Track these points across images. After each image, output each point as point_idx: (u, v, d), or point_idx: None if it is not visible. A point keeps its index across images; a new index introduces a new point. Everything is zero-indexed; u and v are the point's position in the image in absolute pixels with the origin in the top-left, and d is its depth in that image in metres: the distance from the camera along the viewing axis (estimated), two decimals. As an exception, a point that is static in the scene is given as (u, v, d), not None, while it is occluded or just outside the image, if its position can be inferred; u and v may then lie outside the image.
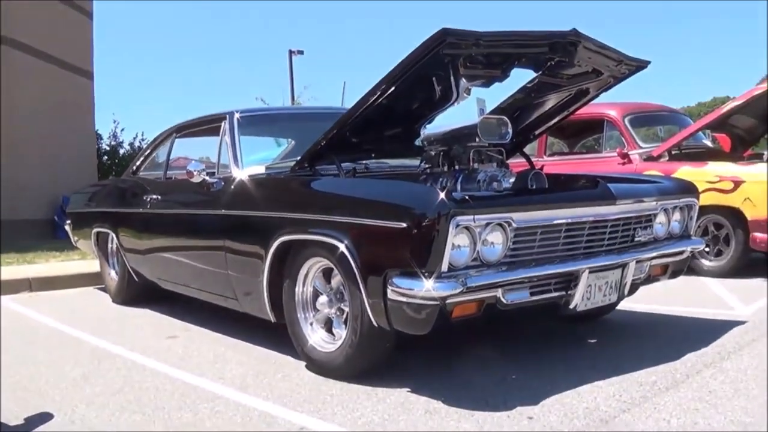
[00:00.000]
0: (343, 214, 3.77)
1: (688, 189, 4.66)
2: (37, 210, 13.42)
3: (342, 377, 3.95)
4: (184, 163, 5.63)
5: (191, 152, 6.42)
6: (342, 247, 3.71)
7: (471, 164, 4.50)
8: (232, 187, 4.78)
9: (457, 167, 4.58)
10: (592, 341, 4.60)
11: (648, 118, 8.36)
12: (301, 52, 28.97)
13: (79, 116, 15.03)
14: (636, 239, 4.25)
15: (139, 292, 6.41)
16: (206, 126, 5.61)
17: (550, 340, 4.57)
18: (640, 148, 7.54)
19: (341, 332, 4.00)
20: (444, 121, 4.73)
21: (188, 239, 5.30)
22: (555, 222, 3.76)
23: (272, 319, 4.43)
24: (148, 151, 6.46)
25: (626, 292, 4.20)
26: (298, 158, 4.68)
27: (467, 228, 3.41)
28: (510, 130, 4.43)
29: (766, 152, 7.97)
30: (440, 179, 4.52)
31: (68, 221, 7.65)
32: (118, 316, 6.12)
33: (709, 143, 8.05)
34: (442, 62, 4.00)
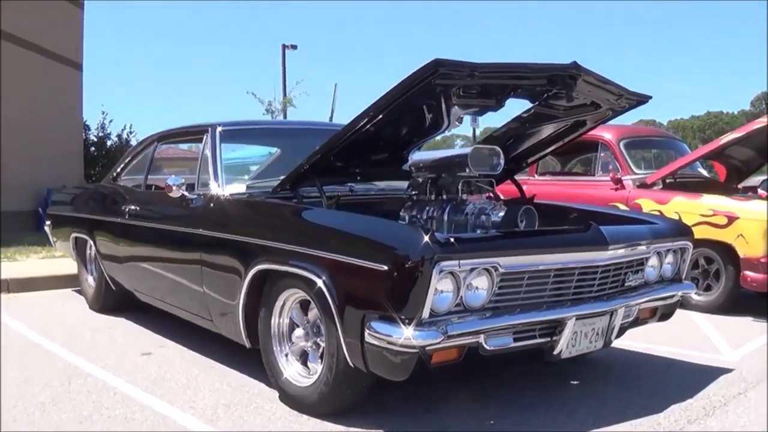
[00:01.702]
0: (323, 248, 3.65)
1: (683, 232, 4.56)
2: (21, 202, 13.23)
3: (316, 414, 3.84)
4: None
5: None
6: (320, 283, 3.60)
7: (459, 195, 4.40)
8: (212, 205, 4.66)
9: (444, 197, 4.48)
10: (575, 383, 4.49)
11: (643, 143, 8.26)
12: (294, 47, 28.82)
13: (66, 107, 14.83)
14: (626, 284, 4.15)
15: (116, 301, 6.29)
16: (188, 136, 5.49)
17: (530, 378, 4.44)
18: (634, 173, 7.44)
19: (317, 367, 3.88)
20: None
21: (165, 254, 5.17)
22: (543, 267, 3.64)
23: (247, 344, 4.31)
24: (129, 158, 6.32)
25: (613, 338, 4.10)
26: (281, 179, 4.57)
27: (451, 273, 3.30)
28: (502, 161, 4.34)
29: (763, 181, 7.89)
30: (427, 208, 4.42)
31: (48, 222, 7.50)
32: (94, 326, 5.99)
33: (704, 172, 7.96)
34: (434, 91, 3.89)
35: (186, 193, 4.84)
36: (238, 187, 4.70)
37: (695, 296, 6.62)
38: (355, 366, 3.53)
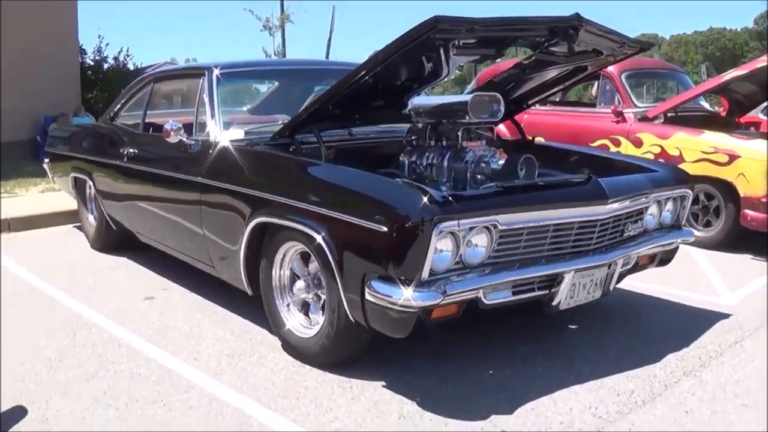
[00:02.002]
0: (321, 204, 3.65)
1: (683, 179, 4.54)
2: (19, 131, 13.12)
3: (318, 365, 3.90)
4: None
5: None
6: (318, 239, 3.62)
7: (459, 142, 4.36)
8: (211, 152, 4.61)
9: (444, 143, 4.44)
10: (573, 328, 4.54)
11: (646, 75, 8.15)
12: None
13: (62, 33, 14.53)
14: (625, 234, 4.15)
15: (117, 240, 6.29)
16: (185, 78, 5.41)
17: (530, 327, 4.46)
18: (636, 107, 7.36)
19: (318, 318, 3.93)
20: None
21: (164, 198, 5.15)
22: (542, 223, 3.64)
23: (249, 292, 4.35)
24: (126, 99, 6.23)
25: (612, 287, 4.13)
26: (279, 128, 4.55)
27: (451, 233, 3.30)
28: (502, 108, 4.30)
29: (764, 108, 7.82)
30: (426, 155, 4.39)
31: (47, 160, 7.47)
32: (96, 267, 6.01)
33: (707, 105, 7.86)
34: (433, 45, 3.82)
35: (184, 139, 4.79)
36: (237, 133, 4.64)
37: (696, 232, 6.61)
38: (356, 321, 3.57)
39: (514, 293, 3.67)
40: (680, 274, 5.57)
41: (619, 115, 7.17)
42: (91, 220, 6.66)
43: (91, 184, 6.30)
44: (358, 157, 4.52)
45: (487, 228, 3.43)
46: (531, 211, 3.59)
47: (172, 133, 4.76)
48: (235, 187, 4.27)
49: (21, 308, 4.98)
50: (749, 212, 6.18)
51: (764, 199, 6.09)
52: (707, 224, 6.65)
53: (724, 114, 7.77)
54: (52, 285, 5.49)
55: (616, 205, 3.91)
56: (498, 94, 4.30)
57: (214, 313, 4.81)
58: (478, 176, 4.18)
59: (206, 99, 4.86)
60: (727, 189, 6.33)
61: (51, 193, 8.98)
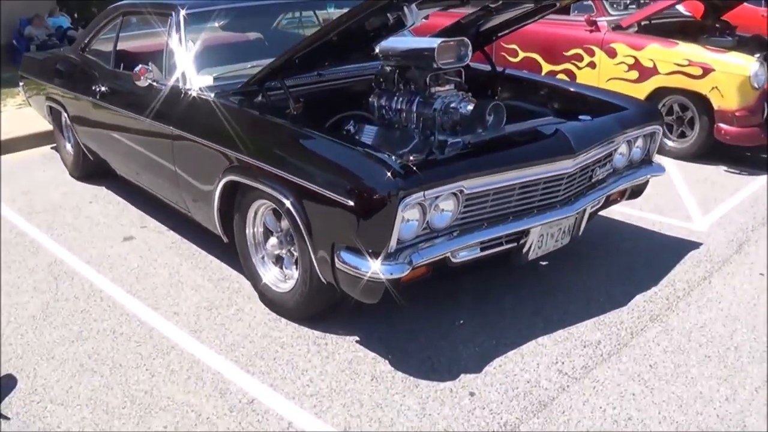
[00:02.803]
0: (288, 170, 3.60)
1: (653, 116, 4.47)
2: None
3: (294, 319, 3.97)
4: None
5: None
6: (287, 204, 3.60)
7: (428, 88, 4.27)
8: (181, 98, 4.50)
9: (412, 88, 4.35)
10: (544, 264, 4.54)
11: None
12: None
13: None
14: (594, 179, 4.13)
15: (95, 168, 6.21)
16: (153, 14, 5.19)
17: (499, 271, 4.40)
18: (609, 15, 7.12)
19: (292, 273, 3.96)
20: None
21: (137, 141, 5.06)
22: (508, 183, 3.61)
23: (225, 239, 4.36)
24: (96, 31, 6.00)
25: (580, 232, 4.15)
26: (249, 70, 4.46)
27: (418, 203, 3.28)
28: (470, 52, 4.19)
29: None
30: (395, 98, 4.32)
31: (21, 83, 7.29)
32: (75, 202, 5.96)
33: (682, 9, 7.63)
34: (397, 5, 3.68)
35: (154, 83, 4.67)
36: (206, 80, 4.51)
37: (669, 143, 6.61)
38: (327, 282, 3.61)
39: (483, 249, 3.68)
40: (653, 192, 5.55)
41: (593, 24, 6.95)
42: (68, 148, 6.56)
43: (66, 116, 6.18)
44: (328, 102, 4.45)
45: (453, 194, 3.41)
46: (497, 174, 3.55)
47: (142, 77, 4.64)
48: (205, 141, 4.20)
49: (4, 254, 4.99)
50: (723, 126, 6.13)
51: (738, 113, 6.03)
52: (681, 135, 6.59)
53: (699, 16, 7.55)
54: (33, 224, 5.48)
55: (582, 157, 3.87)
56: (466, 39, 4.18)
57: (192, 256, 4.84)
58: (447, 123, 4.12)
59: (174, 43, 4.71)
60: (701, 102, 6.24)
61: (28, 109, 8.76)
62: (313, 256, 3.57)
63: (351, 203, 3.26)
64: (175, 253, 4.89)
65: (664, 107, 6.47)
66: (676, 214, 5.37)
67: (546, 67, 7.20)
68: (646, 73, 6.46)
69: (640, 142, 4.41)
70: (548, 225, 3.85)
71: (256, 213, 4.05)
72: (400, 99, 4.31)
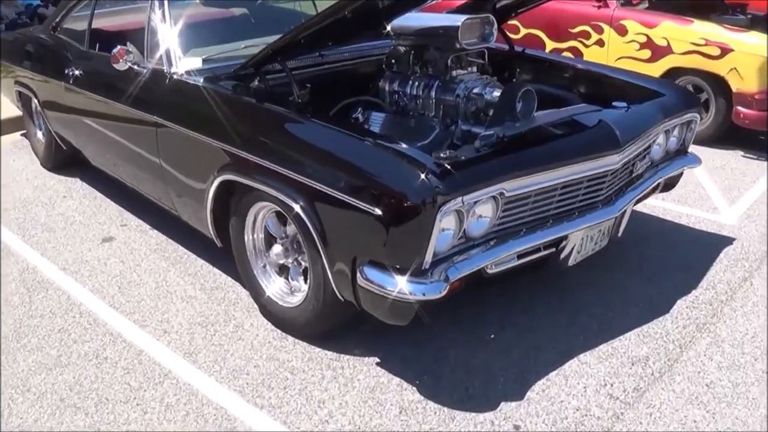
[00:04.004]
0: (300, 170, 3.04)
1: (692, 103, 3.97)
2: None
3: (302, 338, 3.43)
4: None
5: None
6: (297, 208, 3.05)
7: (448, 71, 3.73)
8: (165, 83, 3.90)
9: (430, 71, 3.81)
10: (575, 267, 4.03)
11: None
12: None
13: None
14: (634, 173, 3.64)
15: (68, 158, 5.58)
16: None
17: (527, 274, 3.93)
18: (619, -9, 6.59)
19: (300, 284, 3.43)
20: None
21: (115, 130, 4.44)
22: (551, 183, 3.09)
23: (218, 243, 3.80)
24: (69, 7, 5.33)
25: (620, 233, 3.65)
26: (242, 50, 3.92)
27: (455, 211, 2.75)
28: (495, 31, 3.68)
29: None
30: (410, 83, 3.80)
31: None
32: (48, 197, 5.32)
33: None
34: None
35: (134, 66, 4.05)
36: (194, 62, 3.90)
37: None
38: (345, 299, 3.06)
39: (519, 257, 3.16)
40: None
41: (601, 0, 6.42)
42: (39, 136, 5.91)
43: (37, 101, 5.52)
44: (332, 86, 3.89)
45: (492, 197, 2.88)
46: (540, 173, 3.02)
47: (121, 59, 4.03)
48: (195, 134, 3.61)
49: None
50: (741, 109, 5.65)
51: (758, 96, 5.55)
52: (695, 117, 6.09)
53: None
54: (4, 225, 4.83)
55: (629, 151, 3.36)
56: (491, 16, 3.67)
57: (179, 260, 4.26)
58: (470, 111, 3.60)
59: (156, 19, 4.09)
60: (718, 83, 5.75)
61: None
62: (328, 270, 3.03)
63: (378, 212, 2.72)
64: (160, 257, 4.31)
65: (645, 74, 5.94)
66: (702, 205, 4.90)
67: (550, 45, 6.65)
68: (659, 52, 5.95)
69: (676, 132, 3.91)
70: (590, 228, 3.33)
71: (256, 217, 3.49)
72: (416, 83, 3.79)
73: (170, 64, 3.91)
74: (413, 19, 3.79)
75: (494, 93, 3.56)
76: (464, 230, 2.88)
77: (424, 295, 2.73)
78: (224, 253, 3.77)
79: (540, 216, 3.16)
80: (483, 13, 3.95)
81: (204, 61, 3.91)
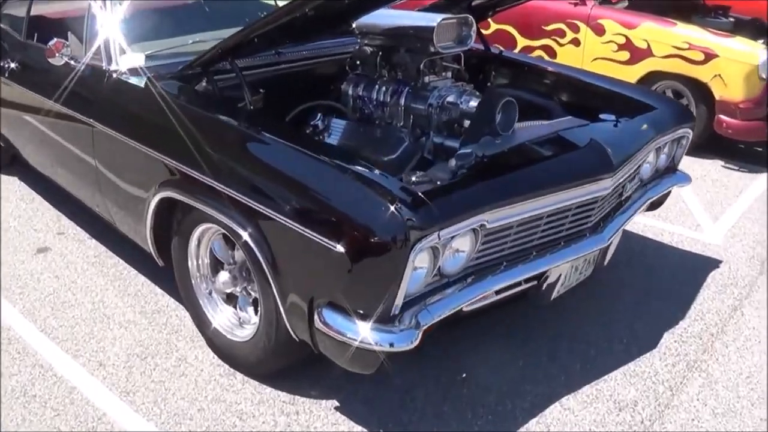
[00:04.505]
0: (249, 192, 2.61)
1: (686, 118, 3.62)
2: None
3: (253, 376, 3.01)
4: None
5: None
6: (245, 236, 2.63)
7: (420, 77, 3.32)
8: (104, 82, 3.43)
9: (399, 75, 3.40)
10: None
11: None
12: None
13: None
14: (623, 196, 3.27)
15: (5, 156, 5.06)
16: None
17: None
18: (597, -11, 6.22)
19: (250, 316, 3.02)
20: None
21: (51, 127, 3.96)
22: (536, 212, 2.70)
23: (159, 262, 3.36)
24: (4, -5, 4.81)
25: (606, 261, 3.29)
26: (190, 46, 3.52)
27: (430, 247, 2.35)
28: (473, 33, 3.28)
29: None
30: (377, 88, 3.38)
31: None
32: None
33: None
34: None
35: (71, 62, 3.58)
36: (136, 58, 3.43)
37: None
38: (301, 339, 2.65)
39: (498, 292, 2.78)
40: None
41: (580, -1, 6.03)
42: (-27, 129, 5.36)
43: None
44: (289, 89, 3.46)
45: (472, 230, 2.48)
46: (525, 202, 2.63)
47: (57, 53, 3.55)
48: (134, 142, 3.16)
49: None
50: (724, 118, 5.33)
51: (742, 105, 5.23)
52: (673, 123, 5.75)
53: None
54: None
55: (621, 173, 2.99)
56: (469, 17, 3.27)
57: (119, 276, 3.81)
58: (443, 122, 3.20)
59: (96, 8, 3.62)
60: (700, 90, 5.42)
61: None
62: (281, 306, 2.61)
63: (340, 248, 2.30)
64: (98, 272, 3.85)
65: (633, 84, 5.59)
66: (684, 221, 4.57)
67: (522, 42, 6.24)
68: (638, 54, 5.59)
69: (667, 148, 3.55)
70: (576, 259, 2.96)
71: (200, 239, 3.06)
72: (384, 89, 3.38)
73: (110, 60, 3.45)
74: (382, 18, 3.37)
75: (471, 102, 3.17)
76: (440, 268, 2.49)
77: (391, 345, 2.34)
78: (167, 270, 3.32)
79: (522, 247, 2.78)
80: (458, 12, 3.57)
81: (147, 57, 3.44)
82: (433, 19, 3.18)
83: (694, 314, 3.54)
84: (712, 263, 4.03)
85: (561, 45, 6.03)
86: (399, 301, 2.34)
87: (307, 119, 3.43)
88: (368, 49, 3.50)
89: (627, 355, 3.22)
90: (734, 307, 3.62)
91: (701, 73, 5.32)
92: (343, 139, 3.31)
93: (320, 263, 2.40)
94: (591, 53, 5.85)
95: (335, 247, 2.30)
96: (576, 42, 5.94)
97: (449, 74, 3.45)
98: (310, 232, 2.38)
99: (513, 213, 2.60)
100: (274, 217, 2.50)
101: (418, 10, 3.70)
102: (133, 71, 3.37)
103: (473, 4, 3.90)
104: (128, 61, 3.43)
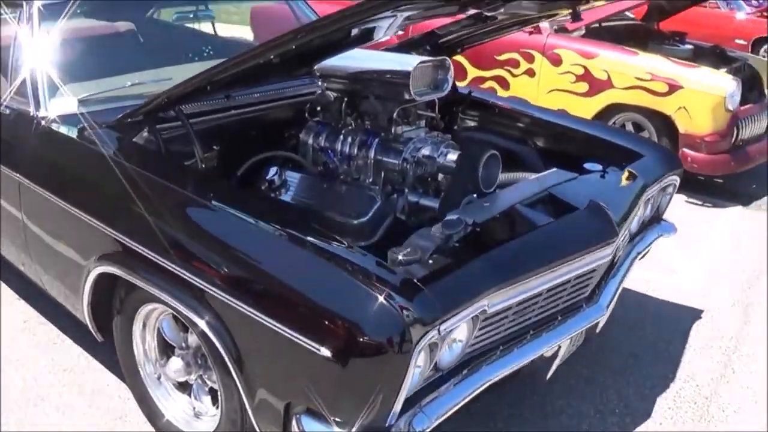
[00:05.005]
0: (203, 273, 2.20)
1: (675, 164, 3.34)
2: None
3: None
4: None
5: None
6: (202, 325, 2.21)
7: (391, 127, 2.94)
8: (32, 133, 2.96)
9: (368, 125, 3.02)
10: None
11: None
12: None
13: None
14: (616, 258, 2.95)
15: None
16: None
17: None
18: (553, 16, 5.95)
19: (207, 407, 2.60)
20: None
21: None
22: (536, 291, 2.36)
23: (99, 338, 2.90)
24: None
25: (598, 329, 2.96)
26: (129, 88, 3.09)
27: (430, 344, 1.98)
28: (450, 77, 2.92)
29: None
30: (342, 139, 2.98)
31: None
32: None
33: (628, 13, 6.53)
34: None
35: (-6, 104, 3.10)
36: (68, 104, 2.97)
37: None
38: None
39: (492, 375, 2.42)
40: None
41: (534, 26, 5.74)
42: None
43: None
44: (242, 138, 3.06)
45: (473, 317, 2.12)
46: (529, 280, 2.28)
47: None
48: (67, 205, 2.69)
49: None
50: (689, 152, 5.11)
51: (708, 138, 5.02)
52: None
53: (640, 18, 6.50)
54: None
55: (621, 237, 2.68)
56: (447, 59, 2.92)
57: (52, 347, 3.33)
58: (419, 177, 2.84)
59: (23, 38, 3.14)
60: (663, 122, 5.18)
61: None
62: (247, 405, 2.20)
63: (325, 352, 1.90)
64: (29, 340, 3.37)
65: (614, 125, 5.35)
66: (657, 264, 4.26)
67: (472, 73, 5.93)
68: (597, 85, 5.34)
69: (653, 198, 3.26)
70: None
71: (146, 320, 2.62)
72: (349, 139, 2.99)
73: (38, 105, 2.98)
74: (348, 59, 2.97)
75: (449, 156, 2.81)
76: (436, 363, 2.12)
77: (384, 462, 1.96)
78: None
79: (519, 328, 2.43)
80: (423, 51, 3.24)
81: (81, 102, 2.98)
82: (407, 63, 2.81)
83: (685, 375, 3.27)
84: (694, 314, 3.78)
85: (514, 76, 5.75)
86: (397, 407, 1.97)
87: (261, 172, 3.01)
88: (331, 94, 3.11)
89: (621, 427, 2.91)
90: (724, 363, 3.37)
91: (665, 106, 5.10)
92: (303, 197, 2.91)
93: (299, 365, 2.01)
94: (547, 84, 5.58)
95: (318, 350, 1.91)
96: (531, 72, 5.67)
97: (422, 123, 3.09)
98: (285, 329, 1.98)
99: (515, 293, 2.26)
100: (237, 306, 2.10)
101: (384, 50, 3.35)
102: (65, 118, 2.91)
103: (440, 42, 3.57)
104: (59, 106, 2.97)
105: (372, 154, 2.91)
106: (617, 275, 2.92)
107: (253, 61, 2.40)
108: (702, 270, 4.28)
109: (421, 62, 2.81)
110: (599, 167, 3.03)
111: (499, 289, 2.17)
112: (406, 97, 2.82)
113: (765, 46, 8.99)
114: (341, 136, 3.00)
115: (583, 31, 5.74)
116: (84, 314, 2.80)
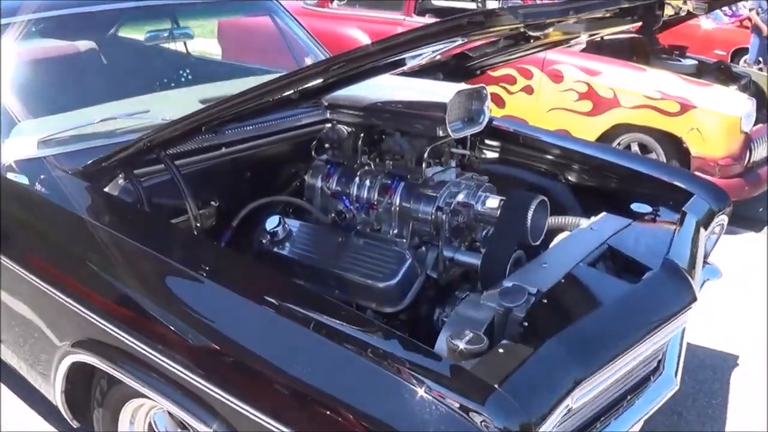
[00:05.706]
0: (208, 373, 1.70)
1: (725, 202, 2.91)
2: None
3: None
4: None
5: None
6: None
7: (422, 171, 2.45)
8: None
9: (390, 165, 2.52)
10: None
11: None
12: None
13: None
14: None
15: None
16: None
17: None
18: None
19: None
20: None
21: None
22: (623, 371, 1.91)
23: (74, 424, 2.37)
24: None
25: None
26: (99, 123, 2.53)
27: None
28: (487, 109, 2.47)
29: None
30: (358, 182, 2.50)
31: None
32: None
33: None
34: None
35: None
36: (27, 145, 2.43)
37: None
38: None
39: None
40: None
41: (531, 39, 5.32)
42: None
43: None
44: (235, 180, 2.56)
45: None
46: (615, 362, 1.83)
47: None
48: (30, 275, 2.16)
49: None
50: (701, 176, 4.68)
51: (722, 162, 4.63)
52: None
53: (636, 29, 6.10)
54: None
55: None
56: (484, 87, 2.47)
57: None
58: (454, 228, 2.37)
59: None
60: (673, 144, 4.78)
61: None
62: None
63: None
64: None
65: (619, 146, 4.94)
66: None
67: (464, 90, 5.48)
68: (603, 104, 4.92)
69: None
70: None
71: (134, 415, 2.10)
72: (368, 183, 2.50)
73: (-7, 149, 2.44)
74: (363, 88, 2.47)
75: (488, 202, 2.35)
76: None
77: None
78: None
79: (593, 416, 1.97)
80: (440, 76, 2.79)
81: (41, 143, 2.45)
82: (438, 93, 2.35)
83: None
84: (731, 360, 3.37)
85: (511, 93, 5.32)
86: None
87: (261, 223, 2.50)
88: (344, 129, 2.62)
89: None
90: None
91: (675, 126, 4.69)
92: (313, 253, 2.41)
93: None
94: (547, 103, 5.15)
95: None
96: (529, 90, 5.24)
97: (454, 162, 2.62)
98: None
99: (601, 380, 1.79)
100: (260, 420, 1.60)
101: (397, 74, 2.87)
102: (22, 164, 2.38)
103: (468, 65, 3.12)
104: (15, 149, 2.44)
105: (397, 200, 2.44)
106: (676, 335, 2.47)
107: (268, 96, 1.91)
108: (729, 307, 3.87)
109: (461, 91, 2.35)
110: (649, 209, 2.58)
111: (587, 379, 1.71)
112: (440, 133, 2.35)
113: (744, 57, 8.76)
114: (357, 179, 2.52)
115: (584, 46, 5.32)
116: (57, 401, 2.27)
